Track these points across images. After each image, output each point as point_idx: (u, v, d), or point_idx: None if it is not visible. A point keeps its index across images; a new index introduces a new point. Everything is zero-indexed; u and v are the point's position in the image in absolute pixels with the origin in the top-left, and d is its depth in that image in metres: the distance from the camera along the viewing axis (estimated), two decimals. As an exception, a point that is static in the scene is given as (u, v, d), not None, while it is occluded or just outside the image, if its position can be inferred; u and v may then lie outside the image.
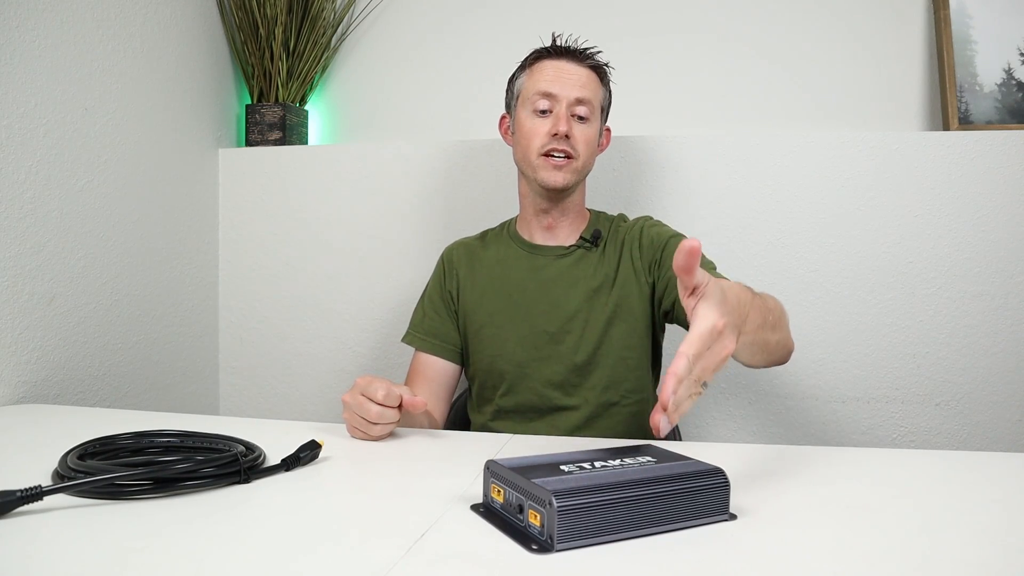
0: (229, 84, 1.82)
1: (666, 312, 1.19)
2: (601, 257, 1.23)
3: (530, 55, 1.23)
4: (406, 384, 1.23)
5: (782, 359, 1.00)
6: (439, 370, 1.25)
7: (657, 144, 1.58)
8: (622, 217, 1.30)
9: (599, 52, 1.22)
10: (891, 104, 1.63)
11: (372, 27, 1.85)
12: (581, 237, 1.24)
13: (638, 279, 1.20)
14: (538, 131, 1.17)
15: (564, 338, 1.19)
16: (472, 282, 1.27)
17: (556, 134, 1.15)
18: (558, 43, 1.21)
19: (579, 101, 1.17)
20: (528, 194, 1.25)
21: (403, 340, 1.29)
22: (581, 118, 1.18)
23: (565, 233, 1.25)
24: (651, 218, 1.27)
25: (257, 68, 1.79)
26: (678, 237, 1.21)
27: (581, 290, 1.20)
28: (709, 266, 1.17)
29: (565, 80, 1.17)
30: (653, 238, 1.21)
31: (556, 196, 1.21)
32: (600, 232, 1.24)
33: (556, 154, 1.16)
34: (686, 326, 1.04)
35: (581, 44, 1.21)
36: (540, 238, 1.26)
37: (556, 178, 1.16)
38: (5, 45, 1.19)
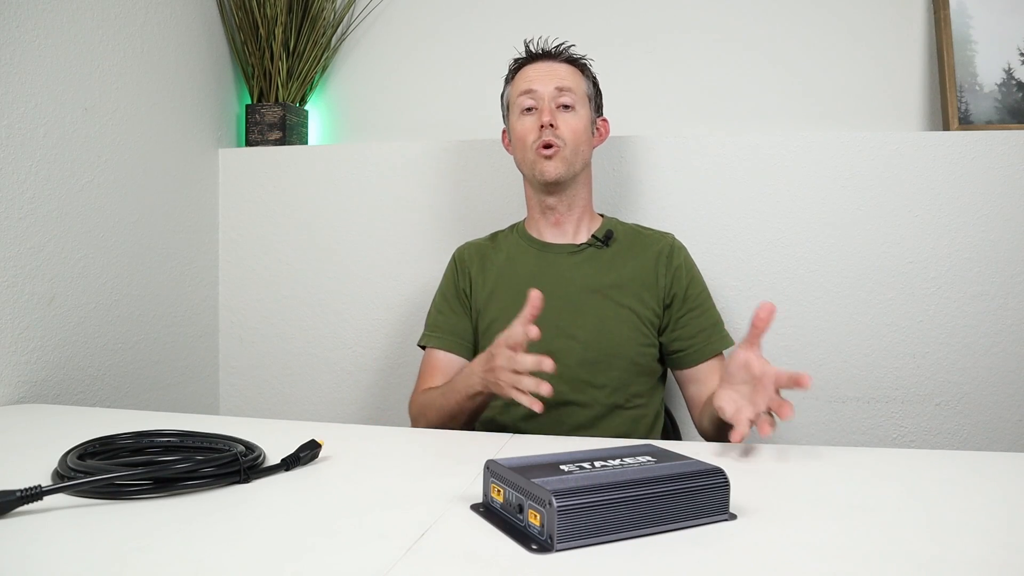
0: (229, 84, 1.82)
1: (671, 352, 1.22)
2: (614, 258, 1.24)
3: (510, 68, 1.28)
4: (420, 381, 1.24)
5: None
6: (454, 364, 1.24)
7: (657, 144, 1.58)
8: (639, 227, 1.31)
9: (572, 46, 1.26)
10: (891, 104, 1.63)
11: (372, 27, 1.85)
12: (593, 236, 1.26)
13: (657, 292, 1.21)
14: (527, 128, 1.21)
15: (576, 332, 1.19)
16: (483, 280, 1.27)
17: (543, 126, 1.18)
18: (532, 48, 1.26)
19: (560, 90, 1.20)
20: (532, 195, 1.27)
21: (419, 343, 1.30)
22: (566, 107, 1.20)
23: (574, 230, 1.26)
24: (676, 238, 1.28)
25: (257, 68, 1.79)
26: (699, 281, 1.24)
27: (592, 287, 1.21)
28: (720, 318, 1.23)
29: (543, 76, 1.22)
30: (681, 266, 1.23)
31: (556, 188, 1.22)
32: (612, 233, 1.25)
33: (545, 144, 1.19)
34: (682, 367, 1.21)
35: (554, 43, 1.26)
36: (550, 235, 1.27)
37: (548, 167, 1.19)
38: (5, 45, 1.19)
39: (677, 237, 1.29)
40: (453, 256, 1.34)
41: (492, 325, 1.23)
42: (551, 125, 1.18)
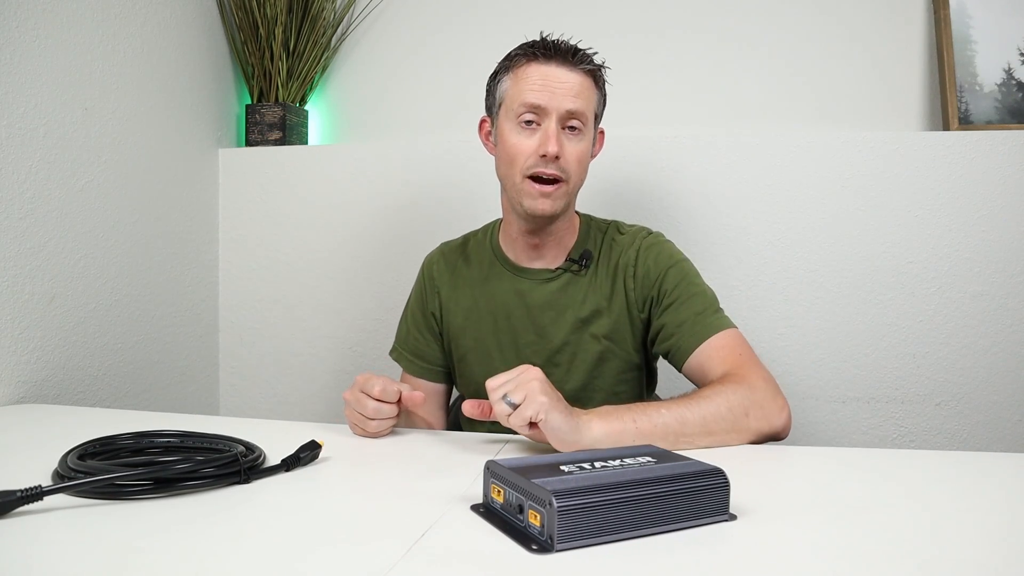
0: (229, 84, 1.82)
1: (663, 354, 1.10)
2: (592, 282, 1.12)
3: (514, 53, 1.07)
4: None
5: (756, 441, 0.93)
6: (429, 390, 1.20)
7: (656, 144, 1.58)
8: (616, 227, 1.17)
9: (595, 53, 1.07)
10: (891, 104, 1.62)
11: (372, 27, 1.85)
12: (569, 258, 1.13)
13: (630, 311, 1.11)
14: (524, 148, 1.03)
15: (552, 371, 1.11)
16: (455, 303, 1.18)
17: (545, 155, 1.02)
18: (547, 42, 1.05)
19: (571, 114, 1.03)
20: (511, 213, 1.13)
21: (390, 355, 1.25)
22: (572, 129, 1.04)
23: (552, 254, 1.14)
24: (649, 234, 1.15)
25: (257, 68, 1.79)
26: (677, 266, 1.10)
27: (569, 320, 1.11)
28: (712, 301, 1.07)
29: (555, 89, 1.02)
30: (649, 268, 1.10)
31: (545, 222, 1.09)
32: (590, 253, 1.13)
33: (544, 177, 1.03)
34: (678, 366, 1.07)
35: (573, 43, 1.06)
36: (525, 260, 1.15)
37: (543, 206, 1.04)
38: (5, 45, 1.19)
39: (668, 237, 1.16)
40: (422, 269, 1.24)
41: (467, 355, 1.17)
42: (556, 157, 1.02)
